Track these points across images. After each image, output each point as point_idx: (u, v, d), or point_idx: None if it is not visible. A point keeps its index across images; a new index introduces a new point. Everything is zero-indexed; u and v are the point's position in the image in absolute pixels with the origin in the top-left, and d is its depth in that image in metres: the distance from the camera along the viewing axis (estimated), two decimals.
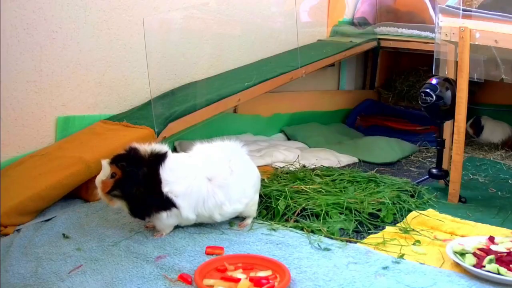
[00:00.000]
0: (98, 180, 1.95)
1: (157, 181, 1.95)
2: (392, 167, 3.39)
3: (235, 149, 2.20)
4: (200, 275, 1.68)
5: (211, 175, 2.05)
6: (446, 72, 2.81)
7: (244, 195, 2.11)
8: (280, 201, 2.35)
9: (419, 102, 2.76)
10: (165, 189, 1.95)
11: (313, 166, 3.09)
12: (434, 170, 2.86)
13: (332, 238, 2.07)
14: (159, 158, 1.97)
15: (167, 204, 1.96)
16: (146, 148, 1.97)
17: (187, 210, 2.00)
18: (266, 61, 3.74)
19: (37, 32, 2.54)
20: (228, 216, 2.11)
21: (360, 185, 2.70)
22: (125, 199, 1.95)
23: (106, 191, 1.92)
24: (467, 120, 3.93)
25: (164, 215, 1.98)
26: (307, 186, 2.56)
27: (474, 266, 1.76)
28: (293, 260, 1.86)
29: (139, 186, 1.92)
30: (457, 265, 1.81)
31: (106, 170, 1.93)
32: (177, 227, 2.11)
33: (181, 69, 3.30)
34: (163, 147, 2.02)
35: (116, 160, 1.93)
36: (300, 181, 2.69)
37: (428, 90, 2.69)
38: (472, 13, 2.53)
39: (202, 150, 2.16)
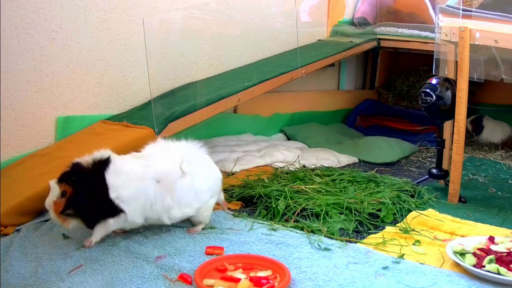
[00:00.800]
0: (49, 202, 1.86)
1: (105, 188, 1.87)
2: (392, 167, 3.39)
3: (192, 150, 2.10)
4: (200, 275, 1.67)
5: (159, 177, 1.96)
6: (446, 72, 2.81)
7: (196, 199, 2.02)
8: (280, 201, 2.35)
9: (419, 102, 2.76)
10: (113, 195, 1.86)
11: (313, 166, 3.10)
12: (434, 170, 2.86)
13: (332, 238, 2.07)
14: (103, 164, 1.89)
15: (115, 210, 1.89)
16: (87, 159, 1.90)
17: (134, 214, 1.92)
18: (266, 61, 3.74)
19: (37, 32, 2.53)
20: (177, 219, 2.03)
21: (360, 185, 2.70)
22: (79, 216, 1.88)
23: (59, 211, 1.85)
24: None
25: (111, 221, 1.91)
26: (307, 186, 2.56)
27: (474, 266, 1.76)
28: (293, 260, 1.85)
29: (90, 199, 1.86)
30: (457, 265, 1.81)
31: (55, 190, 1.85)
32: (176, 226, 2.12)
33: (181, 69, 3.30)
34: (105, 153, 1.92)
35: (63, 178, 1.87)
36: (300, 181, 2.69)
37: (428, 90, 2.70)
38: (472, 13, 2.53)
39: (153, 149, 2.07)
